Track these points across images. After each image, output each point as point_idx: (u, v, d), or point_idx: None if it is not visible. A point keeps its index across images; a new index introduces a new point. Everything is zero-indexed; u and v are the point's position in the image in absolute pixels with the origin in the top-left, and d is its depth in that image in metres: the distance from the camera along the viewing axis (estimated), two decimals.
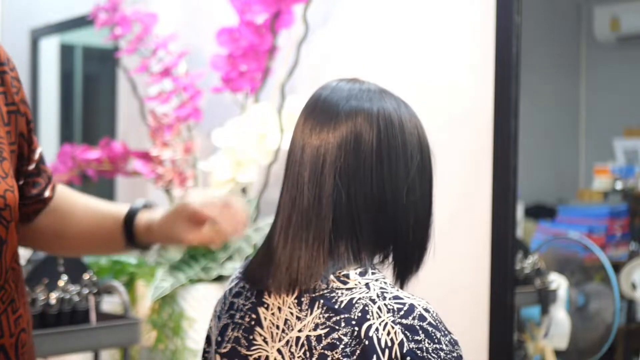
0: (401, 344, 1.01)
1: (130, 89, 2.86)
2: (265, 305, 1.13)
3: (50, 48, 3.88)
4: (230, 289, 1.21)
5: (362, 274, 1.08)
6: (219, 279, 2.44)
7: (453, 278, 2.11)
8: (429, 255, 1.15)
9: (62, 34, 3.85)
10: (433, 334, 1.02)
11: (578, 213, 2.59)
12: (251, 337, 1.13)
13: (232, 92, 2.60)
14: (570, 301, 2.34)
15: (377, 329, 1.02)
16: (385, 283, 1.08)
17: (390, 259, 1.14)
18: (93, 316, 2.26)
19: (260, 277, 1.14)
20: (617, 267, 2.38)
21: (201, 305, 2.41)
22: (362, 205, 1.08)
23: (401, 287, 1.15)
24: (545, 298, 2.28)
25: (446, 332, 1.04)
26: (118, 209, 1.41)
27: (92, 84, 4.13)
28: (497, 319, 2.01)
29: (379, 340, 1.01)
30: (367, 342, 1.01)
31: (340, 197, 1.08)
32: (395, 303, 1.04)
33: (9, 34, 3.65)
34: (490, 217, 2.03)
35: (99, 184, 3.16)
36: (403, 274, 1.15)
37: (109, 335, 2.28)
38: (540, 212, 2.66)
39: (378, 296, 1.05)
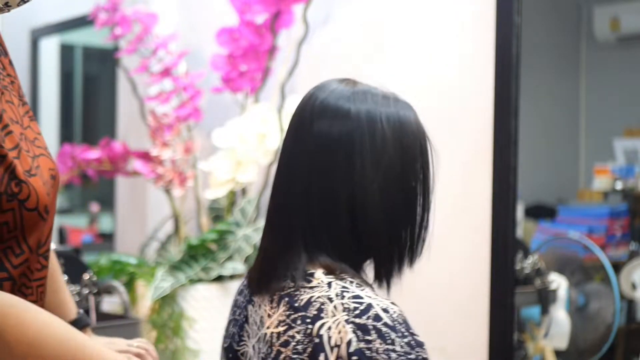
0: (349, 343, 1.00)
1: (130, 89, 2.86)
2: (252, 303, 1.16)
3: (50, 48, 3.88)
4: (239, 287, 1.25)
5: (327, 273, 1.08)
6: (219, 279, 2.44)
7: (453, 278, 2.11)
8: (421, 256, 1.14)
9: (62, 34, 3.85)
10: (387, 335, 1.00)
11: (578, 213, 2.59)
12: (241, 332, 1.17)
13: (232, 92, 2.60)
14: (570, 301, 2.34)
15: (329, 328, 1.02)
16: (351, 283, 1.07)
17: (371, 259, 1.14)
18: (93, 316, 2.26)
19: (249, 275, 1.20)
20: (617, 267, 2.39)
21: (201, 305, 2.41)
22: (332, 205, 1.08)
23: (387, 287, 1.14)
24: (545, 298, 2.28)
25: (405, 334, 1.01)
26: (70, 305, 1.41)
27: (92, 84, 4.14)
28: (497, 319, 2.01)
29: (329, 338, 1.01)
30: (317, 340, 1.02)
31: (312, 197, 1.09)
32: (353, 302, 1.03)
33: (9, 34, 3.63)
34: (490, 217, 2.03)
35: (99, 184, 3.17)
36: (386, 274, 1.14)
37: (109, 335, 2.27)
38: (540, 212, 2.66)
39: (337, 295, 1.04)
